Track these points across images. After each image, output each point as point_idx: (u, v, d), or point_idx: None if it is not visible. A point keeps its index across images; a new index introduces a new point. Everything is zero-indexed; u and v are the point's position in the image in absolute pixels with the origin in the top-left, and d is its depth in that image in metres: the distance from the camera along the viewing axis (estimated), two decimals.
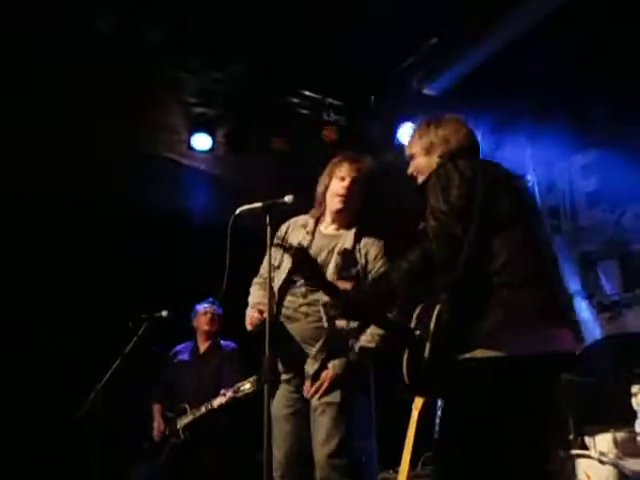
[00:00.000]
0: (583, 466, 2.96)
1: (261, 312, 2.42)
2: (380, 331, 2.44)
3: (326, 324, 2.43)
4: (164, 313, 3.49)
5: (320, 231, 2.63)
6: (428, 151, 2.04)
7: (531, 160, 4.36)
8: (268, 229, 2.38)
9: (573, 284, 3.81)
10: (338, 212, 2.60)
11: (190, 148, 5.40)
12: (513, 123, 4.62)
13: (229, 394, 3.66)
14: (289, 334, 2.52)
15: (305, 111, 5.72)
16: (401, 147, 5.30)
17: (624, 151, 3.81)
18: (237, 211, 2.47)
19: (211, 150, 5.43)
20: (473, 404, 1.70)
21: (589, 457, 2.97)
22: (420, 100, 5.14)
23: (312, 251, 2.55)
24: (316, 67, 4.96)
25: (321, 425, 2.39)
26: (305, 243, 2.58)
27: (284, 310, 2.54)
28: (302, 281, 2.49)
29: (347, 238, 2.55)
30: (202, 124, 5.38)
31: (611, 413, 3.28)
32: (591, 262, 3.97)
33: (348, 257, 2.51)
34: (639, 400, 2.96)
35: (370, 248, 2.52)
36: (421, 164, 2.06)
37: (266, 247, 2.34)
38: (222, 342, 4.22)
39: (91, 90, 4.75)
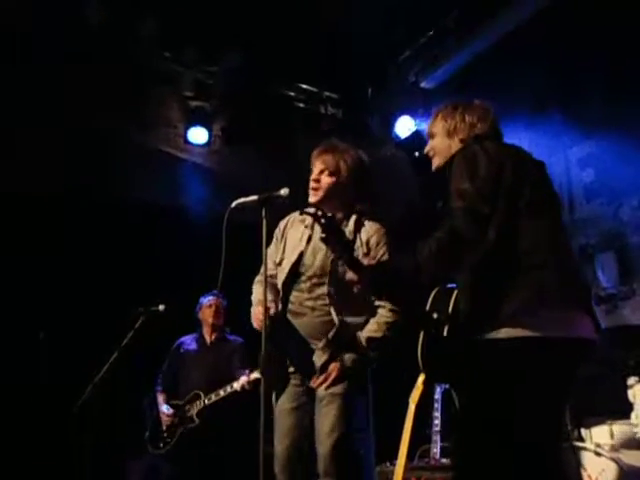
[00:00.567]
0: (579, 458, 2.97)
1: (267, 309, 2.39)
2: (386, 319, 2.42)
3: (335, 317, 2.41)
4: (161, 307, 3.48)
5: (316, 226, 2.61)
6: (450, 134, 2.02)
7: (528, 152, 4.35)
8: (264, 222, 2.37)
9: None
10: (317, 204, 2.51)
11: (186, 142, 5.39)
12: (510, 115, 4.60)
13: (244, 378, 3.68)
14: (294, 328, 2.50)
15: (302, 104, 5.72)
16: (398, 140, 5.35)
17: (621, 143, 3.81)
18: (233, 204, 2.46)
19: (207, 144, 5.43)
20: (499, 384, 1.68)
21: (585, 449, 2.98)
22: (417, 93, 5.13)
23: (312, 245, 2.54)
24: (313, 60, 4.95)
25: (326, 416, 2.38)
26: (305, 238, 2.57)
27: (290, 305, 2.52)
28: (308, 274, 2.48)
29: (346, 230, 2.53)
30: (198, 118, 5.37)
31: (607, 405, 3.28)
32: (588, 255, 3.97)
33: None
34: (635, 392, 2.96)
35: (371, 235, 2.50)
36: (440, 145, 2.05)
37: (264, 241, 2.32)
38: (229, 335, 4.22)
39: (87, 84, 4.74)
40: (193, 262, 4.41)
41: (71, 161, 4.98)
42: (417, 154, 4.81)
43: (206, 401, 3.86)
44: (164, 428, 3.94)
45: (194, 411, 3.88)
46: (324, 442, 2.37)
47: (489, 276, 1.75)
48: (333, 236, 1.93)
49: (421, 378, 3.29)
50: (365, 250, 2.47)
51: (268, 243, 2.47)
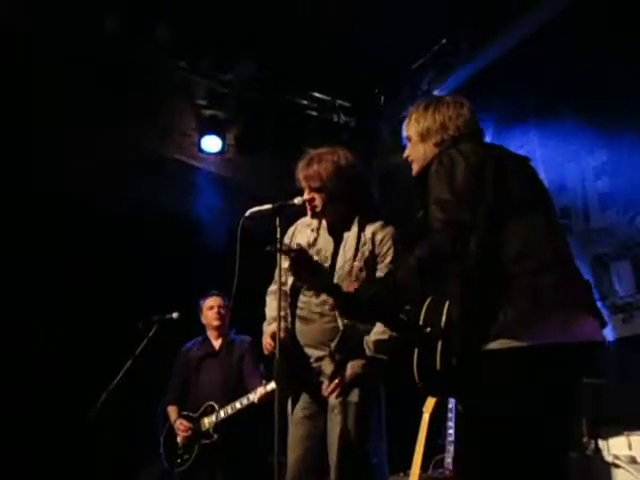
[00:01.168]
0: (596, 469, 2.93)
1: (274, 338, 2.39)
2: None
3: (341, 324, 2.41)
4: (174, 315, 3.49)
5: (324, 227, 2.62)
6: (424, 137, 1.92)
7: (542, 161, 4.33)
8: (278, 230, 2.38)
9: None
10: (318, 216, 2.56)
11: (200, 150, 5.43)
12: (524, 123, 4.59)
13: (260, 389, 3.51)
14: (304, 336, 2.50)
15: (314, 112, 5.74)
16: None
17: (637, 152, 3.78)
18: (247, 213, 2.48)
19: (221, 152, 5.46)
20: (498, 397, 1.61)
21: (602, 460, 2.94)
22: None
23: (318, 247, 2.55)
24: (326, 69, 4.97)
25: (338, 425, 2.37)
26: (311, 241, 2.58)
27: (299, 311, 2.52)
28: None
29: (351, 231, 2.53)
30: (212, 126, 5.41)
31: (625, 415, 3.24)
32: (604, 264, 3.92)
33: (354, 250, 2.48)
34: None
35: (376, 233, 2.49)
36: (415, 151, 1.96)
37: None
38: (236, 337, 4.00)
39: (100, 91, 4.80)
40: (207, 270, 4.41)
41: (84, 168, 5.05)
42: None
43: (222, 414, 3.69)
44: (179, 444, 3.78)
45: (210, 425, 3.71)
46: (336, 452, 2.36)
47: (479, 286, 1.66)
48: (303, 268, 1.88)
49: None
50: (370, 247, 2.46)
51: (284, 243, 2.48)
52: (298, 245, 1.98)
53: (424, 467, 3.33)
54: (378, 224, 2.52)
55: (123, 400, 3.24)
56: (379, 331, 2.41)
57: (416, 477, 3.23)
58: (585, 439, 3.02)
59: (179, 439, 3.79)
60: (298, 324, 2.53)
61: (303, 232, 2.65)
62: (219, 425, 3.68)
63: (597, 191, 4.06)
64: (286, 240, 2.69)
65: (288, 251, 1.93)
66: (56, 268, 4.51)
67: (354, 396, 2.40)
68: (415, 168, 1.97)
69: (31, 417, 4.14)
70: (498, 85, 4.79)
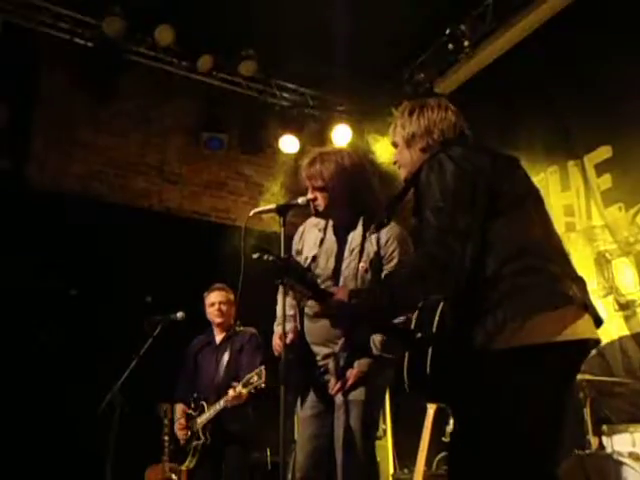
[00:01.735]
0: (600, 466, 2.94)
1: (281, 338, 2.39)
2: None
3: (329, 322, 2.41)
4: (179, 315, 3.49)
5: (330, 227, 2.63)
6: (409, 143, 1.89)
7: (544, 157, 4.33)
8: (282, 230, 2.38)
9: (589, 283, 3.76)
10: (323, 216, 2.56)
11: (205, 148, 5.44)
12: (525, 120, 4.59)
13: (239, 388, 3.36)
14: (312, 334, 2.52)
15: (314, 111, 5.74)
16: None
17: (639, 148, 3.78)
18: (251, 213, 2.48)
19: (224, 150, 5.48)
20: (494, 398, 1.59)
21: (607, 457, 2.95)
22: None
23: (325, 248, 2.55)
24: (323, 67, 4.98)
25: (344, 423, 2.38)
26: (318, 241, 2.59)
27: (307, 309, 2.54)
28: (321, 278, 2.47)
29: (357, 232, 2.54)
30: (214, 124, 5.42)
31: (629, 413, 3.25)
32: (606, 261, 3.93)
33: (359, 251, 2.49)
34: None
35: (382, 233, 2.49)
36: (402, 158, 1.93)
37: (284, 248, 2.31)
38: (239, 329, 3.84)
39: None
40: (214, 269, 4.39)
41: (88, 166, 5.06)
42: None
43: (207, 415, 3.58)
44: (181, 443, 3.72)
45: (200, 426, 3.60)
46: (342, 450, 2.38)
47: (472, 289, 1.64)
48: (291, 278, 1.87)
49: None
50: (375, 248, 2.47)
51: (286, 250, 2.49)
52: (288, 255, 1.97)
53: (428, 464, 3.34)
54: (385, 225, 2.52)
55: (129, 399, 3.25)
56: None
57: (420, 474, 3.24)
58: (589, 436, 3.02)
59: (180, 440, 3.76)
60: (306, 322, 2.54)
61: (311, 232, 2.66)
62: (207, 426, 3.58)
63: (599, 188, 4.06)
64: (296, 238, 2.70)
65: (273, 260, 1.90)
66: (57, 268, 4.51)
67: (360, 395, 2.41)
68: (403, 174, 1.95)
69: (37, 417, 4.14)
70: (500, 82, 4.79)
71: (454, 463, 1.75)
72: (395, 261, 2.45)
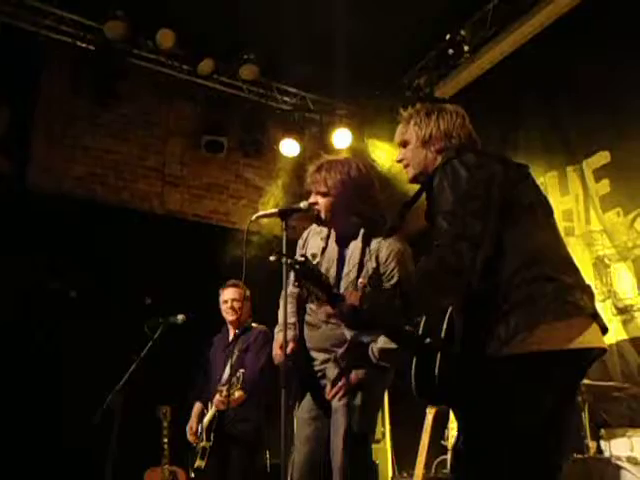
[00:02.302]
0: (598, 470, 2.95)
1: (282, 347, 2.39)
2: None
3: (347, 332, 2.43)
4: (179, 317, 3.50)
5: (333, 237, 2.64)
6: (426, 143, 1.88)
7: (543, 162, 4.35)
8: (284, 234, 2.39)
9: None
10: (325, 224, 2.56)
11: (205, 151, 5.46)
12: (524, 125, 4.62)
13: (224, 392, 3.35)
14: (310, 341, 2.54)
15: (315, 115, 5.77)
16: None
17: (637, 154, 3.80)
18: (253, 217, 2.49)
19: (224, 154, 5.50)
20: (501, 405, 1.61)
21: (605, 461, 2.96)
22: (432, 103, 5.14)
23: (326, 257, 2.57)
24: (324, 71, 5.00)
25: (341, 427, 2.39)
26: (320, 249, 2.60)
27: (307, 317, 2.56)
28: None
29: (356, 245, 2.54)
30: (215, 128, 5.44)
31: (627, 417, 3.26)
32: (605, 265, 3.95)
33: (358, 266, 2.49)
34: None
35: (381, 249, 2.48)
36: (415, 156, 1.91)
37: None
38: (251, 326, 3.79)
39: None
40: (214, 272, 4.40)
41: (89, 170, 5.07)
42: None
43: (209, 416, 3.55)
44: (193, 444, 3.68)
45: (204, 427, 3.57)
46: (339, 454, 2.38)
47: (484, 296, 1.65)
48: (307, 281, 1.86)
49: None
50: (374, 264, 2.47)
51: (288, 254, 2.50)
52: (302, 256, 1.97)
53: (427, 467, 3.35)
54: (382, 240, 2.50)
55: (129, 402, 3.25)
56: (385, 340, 2.42)
57: (420, 477, 3.25)
58: (587, 440, 3.03)
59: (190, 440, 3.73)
60: (306, 329, 2.57)
61: (315, 238, 2.66)
62: (211, 427, 3.55)
63: (598, 193, 4.08)
64: (300, 242, 2.71)
65: (291, 263, 1.89)
66: (57, 270, 4.52)
67: (357, 400, 2.42)
68: (411, 173, 1.94)
69: (37, 420, 4.14)
70: (500, 87, 4.81)
71: (461, 467, 1.76)
72: (395, 279, 2.44)
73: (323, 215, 2.52)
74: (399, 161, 1.96)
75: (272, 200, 5.22)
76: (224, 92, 5.40)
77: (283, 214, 2.42)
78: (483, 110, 4.61)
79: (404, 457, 3.24)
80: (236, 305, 3.76)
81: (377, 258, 2.47)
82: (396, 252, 2.47)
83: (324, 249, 2.59)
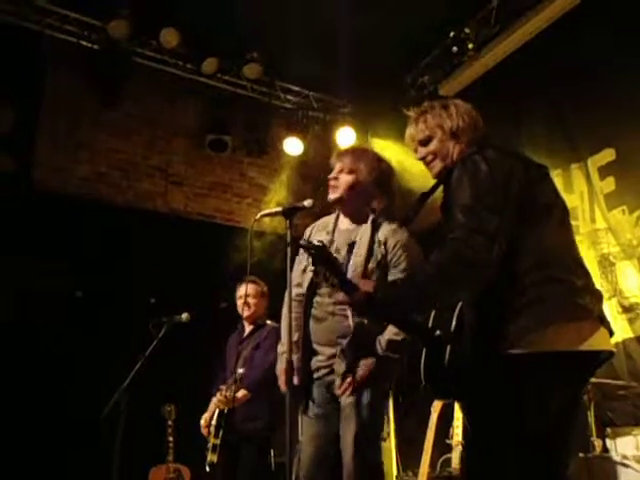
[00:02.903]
0: (604, 469, 2.95)
1: (287, 372, 2.38)
2: None
3: (352, 322, 2.42)
4: (184, 316, 3.50)
5: (339, 228, 2.64)
6: (454, 135, 1.86)
7: (547, 159, 4.33)
8: (289, 233, 2.40)
9: None
10: (335, 203, 2.58)
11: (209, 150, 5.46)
12: (528, 122, 4.60)
13: (224, 391, 3.35)
14: (317, 335, 2.53)
15: (319, 114, 5.77)
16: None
17: None
18: (257, 215, 2.50)
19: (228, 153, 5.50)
20: (509, 399, 1.62)
21: (611, 460, 2.95)
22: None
23: (332, 249, 2.56)
24: (328, 69, 4.99)
25: (350, 424, 2.39)
26: (326, 243, 2.59)
27: (313, 311, 2.55)
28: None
29: (364, 231, 2.55)
30: (218, 126, 5.44)
31: (632, 416, 3.25)
32: (610, 263, 3.94)
33: (367, 251, 2.50)
34: None
35: (389, 237, 2.49)
36: (444, 148, 1.88)
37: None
38: (266, 322, 3.77)
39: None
40: (218, 271, 4.40)
41: (93, 170, 5.08)
42: None
43: (215, 415, 3.53)
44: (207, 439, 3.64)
45: (214, 424, 3.54)
46: (347, 450, 2.38)
47: (495, 293, 1.66)
48: (323, 266, 1.86)
49: None
50: (383, 251, 2.47)
51: (292, 252, 2.50)
52: (320, 242, 1.97)
53: (432, 466, 3.35)
54: (390, 228, 2.53)
55: (134, 400, 3.26)
56: (393, 331, 2.42)
57: (424, 476, 3.25)
58: (593, 439, 3.03)
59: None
60: (312, 323, 2.55)
61: (320, 234, 2.67)
62: (220, 424, 3.53)
63: (603, 191, 4.07)
64: (305, 238, 2.71)
65: (308, 247, 1.90)
66: (62, 270, 4.53)
67: (366, 397, 2.42)
68: (438, 167, 1.90)
69: (43, 418, 4.16)
70: (504, 84, 4.80)
71: (469, 461, 1.78)
72: (402, 266, 2.46)
73: (338, 192, 2.52)
74: (422, 158, 1.94)
75: (276, 199, 5.23)
76: (228, 91, 5.40)
77: (287, 213, 2.41)
78: (487, 108, 4.58)
79: (408, 456, 3.24)
80: (251, 301, 3.73)
81: (385, 244, 2.48)
82: (404, 240, 2.49)
83: (331, 242, 2.60)
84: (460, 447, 3.42)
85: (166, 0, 4.55)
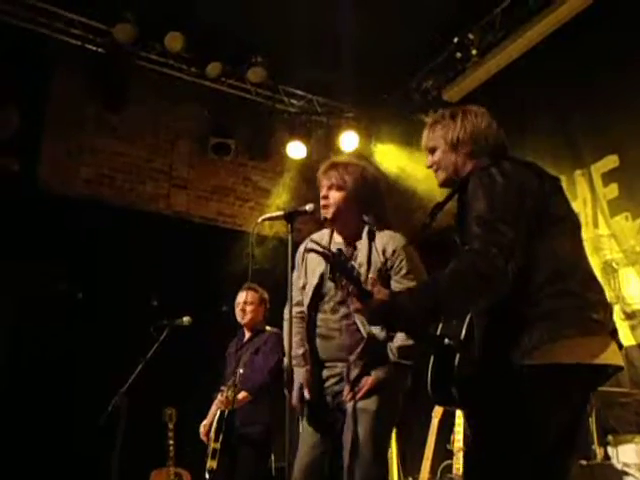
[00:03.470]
0: (605, 476, 2.93)
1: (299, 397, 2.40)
2: None
3: (364, 332, 2.40)
4: (185, 319, 3.50)
5: (335, 241, 2.61)
6: (454, 147, 1.88)
7: (550, 166, 4.32)
8: (290, 237, 2.39)
9: None
10: (330, 222, 2.55)
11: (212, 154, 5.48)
12: (532, 129, 4.60)
13: (225, 392, 3.35)
14: (324, 352, 2.49)
15: (322, 118, 5.77)
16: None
17: None
18: (259, 219, 2.50)
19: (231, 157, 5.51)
20: (514, 410, 1.63)
21: (612, 468, 2.94)
22: (439, 106, 5.14)
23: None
24: (331, 74, 5.00)
25: (354, 432, 2.35)
26: (322, 259, 2.58)
27: (317, 329, 2.51)
28: (330, 294, 2.47)
29: (362, 243, 2.51)
30: (222, 130, 5.46)
31: (634, 423, 3.24)
32: (613, 270, 3.93)
33: (367, 262, 2.48)
34: None
35: (387, 244, 2.48)
36: (444, 160, 1.91)
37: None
38: (265, 329, 3.78)
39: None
40: (220, 274, 4.40)
41: (98, 170, 5.10)
42: None
43: (216, 417, 3.53)
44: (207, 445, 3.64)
45: (213, 428, 3.54)
46: (350, 458, 2.34)
47: (508, 304, 1.67)
48: (341, 274, 1.84)
49: None
50: (382, 259, 2.45)
51: (293, 256, 2.50)
52: (338, 249, 1.97)
53: (433, 472, 3.34)
54: (387, 235, 2.51)
55: (135, 403, 3.26)
56: (403, 337, 2.40)
57: None
58: (594, 446, 3.01)
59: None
60: (319, 341, 2.51)
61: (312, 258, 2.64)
62: (220, 428, 3.52)
63: (606, 197, 4.06)
64: (298, 257, 2.65)
65: (326, 254, 1.89)
66: (64, 272, 4.54)
67: (372, 404, 2.38)
68: (441, 176, 1.93)
69: (43, 421, 4.16)
70: (508, 90, 4.80)
71: (469, 469, 1.77)
72: (404, 271, 2.44)
73: (332, 211, 2.50)
74: (429, 167, 1.97)
75: (278, 203, 5.23)
76: (232, 95, 5.41)
77: (289, 217, 2.41)
78: (490, 114, 4.58)
79: (409, 461, 3.23)
80: (248, 308, 3.73)
81: (384, 252, 2.46)
82: (402, 245, 2.48)
83: None
84: (461, 453, 3.42)
85: (171, 4, 4.56)
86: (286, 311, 2.53)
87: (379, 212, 2.52)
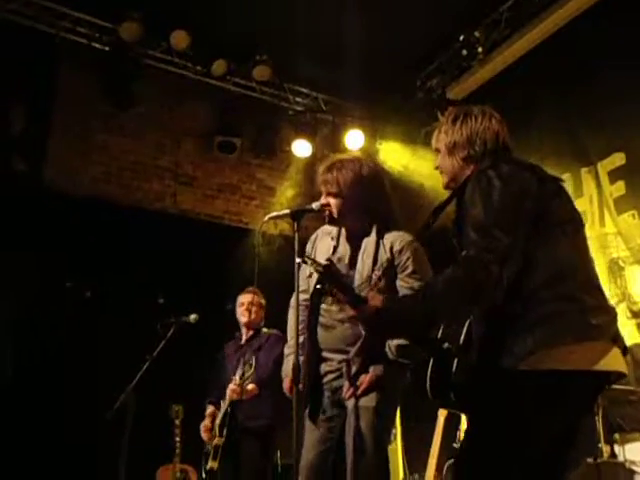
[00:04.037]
0: (612, 474, 2.93)
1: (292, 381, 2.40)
2: None
3: (363, 329, 2.39)
4: (192, 317, 3.51)
5: (343, 234, 2.62)
6: (451, 151, 1.88)
7: (556, 163, 4.32)
8: (296, 236, 2.40)
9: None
10: (334, 224, 2.56)
11: (218, 152, 5.49)
12: (537, 127, 4.59)
13: (236, 382, 3.40)
14: (325, 342, 2.51)
15: (327, 116, 5.78)
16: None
17: None
18: (266, 217, 2.51)
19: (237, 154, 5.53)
20: (512, 415, 1.61)
21: (618, 466, 2.94)
22: (445, 104, 5.14)
23: (338, 256, 2.56)
24: (337, 72, 5.00)
25: (355, 429, 2.37)
26: (331, 249, 2.60)
27: (320, 319, 2.53)
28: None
29: (369, 241, 2.52)
30: (227, 128, 5.47)
31: None
32: (619, 268, 3.92)
33: (372, 259, 2.49)
34: None
35: (394, 242, 2.47)
36: (444, 163, 1.93)
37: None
38: (264, 331, 3.88)
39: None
40: (226, 272, 4.42)
41: (101, 170, 5.12)
42: None
43: (221, 413, 3.57)
44: (206, 445, 3.70)
45: (217, 425, 3.57)
46: (352, 456, 2.36)
47: (505, 308, 1.65)
48: (331, 284, 1.88)
49: None
50: (389, 256, 2.45)
51: (299, 255, 2.50)
52: (327, 260, 1.98)
53: (439, 470, 3.34)
54: (396, 233, 2.50)
55: (142, 400, 3.28)
56: None
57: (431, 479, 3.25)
58: (601, 444, 3.01)
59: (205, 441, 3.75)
60: (320, 331, 2.53)
61: (324, 240, 2.66)
62: (224, 424, 3.56)
63: (612, 195, 4.05)
64: (309, 246, 2.68)
65: (315, 266, 1.90)
66: (72, 270, 4.56)
67: (372, 400, 2.39)
68: (444, 179, 1.95)
69: (52, 417, 4.19)
70: (512, 88, 4.79)
71: (458, 471, 1.76)
72: (410, 269, 2.44)
73: (335, 215, 2.51)
74: (435, 169, 1.99)
75: (284, 201, 5.24)
76: (237, 93, 5.42)
77: (295, 215, 2.42)
78: (496, 111, 4.56)
79: (415, 459, 3.24)
80: (252, 308, 3.82)
81: (391, 250, 2.46)
82: (409, 244, 2.47)
83: (335, 248, 2.59)
84: None
85: (177, 3, 4.58)
86: (293, 299, 2.53)
87: (384, 210, 2.53)
